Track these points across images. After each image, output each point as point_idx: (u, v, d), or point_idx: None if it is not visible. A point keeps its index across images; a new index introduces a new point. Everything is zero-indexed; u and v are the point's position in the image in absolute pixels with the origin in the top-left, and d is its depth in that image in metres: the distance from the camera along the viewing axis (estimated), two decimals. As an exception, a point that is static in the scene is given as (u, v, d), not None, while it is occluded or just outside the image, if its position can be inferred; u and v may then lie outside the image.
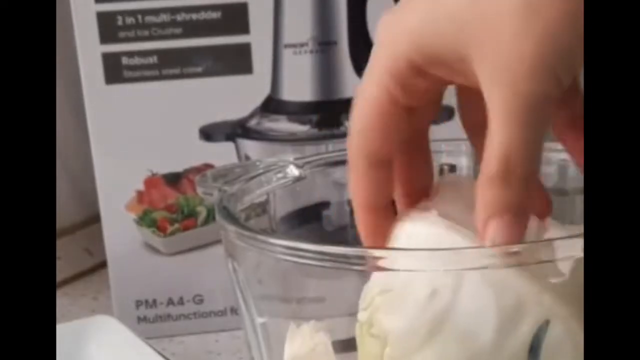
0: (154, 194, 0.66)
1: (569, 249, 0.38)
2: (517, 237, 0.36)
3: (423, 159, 0.44)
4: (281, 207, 0.56)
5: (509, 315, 0.38)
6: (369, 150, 0.40)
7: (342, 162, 0.57)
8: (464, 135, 0.61)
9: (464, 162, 0.57)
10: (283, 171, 0.53)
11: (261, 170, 0.52)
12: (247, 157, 0.66)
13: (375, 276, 0.41)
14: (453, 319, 0.38)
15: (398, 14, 0.38)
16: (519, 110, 0.35)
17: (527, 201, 0.37)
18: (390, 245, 0.42)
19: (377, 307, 0.40)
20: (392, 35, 0.38)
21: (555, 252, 0.38)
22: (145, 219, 0.67)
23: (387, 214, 0.42)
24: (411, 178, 0.43)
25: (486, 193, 0.36)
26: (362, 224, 0.42)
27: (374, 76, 0.39)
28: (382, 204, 0.41)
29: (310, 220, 0.61)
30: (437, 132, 0.48)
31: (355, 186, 0.41)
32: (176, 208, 0.67)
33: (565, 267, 0.38)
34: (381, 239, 0.41)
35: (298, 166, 0.53)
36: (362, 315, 0.41)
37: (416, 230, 0.41)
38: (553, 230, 0.42)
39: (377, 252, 0.40)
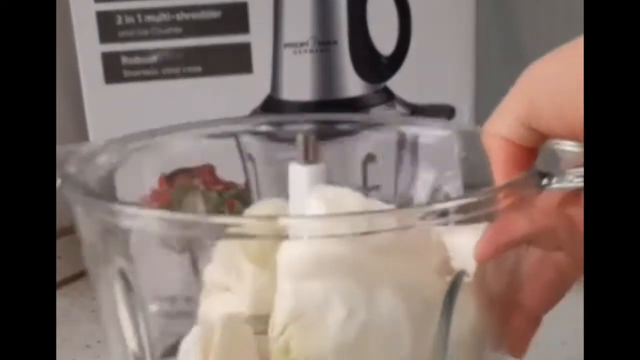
0: (153, 194, 0.66)
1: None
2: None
3: None
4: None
5: (420, 317, 0.41)
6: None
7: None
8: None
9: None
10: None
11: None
12: (249, 156, 0.66)
13: (280, 302, 0.41)
14: (372, 332, 0.40)
15: (540, 67, 0.41)
16: None
17: None
18: None
19: (292, 334, 0.41)
20: (524, 87, 0.42)
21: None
22: (145, 219, 0.67)
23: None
24: None
25: None
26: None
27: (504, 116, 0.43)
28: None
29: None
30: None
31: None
32: (174, 207, 0.67)
33: (469, 268, 0.41)
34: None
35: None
36: (274, 341, 0.41)
37: None
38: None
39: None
